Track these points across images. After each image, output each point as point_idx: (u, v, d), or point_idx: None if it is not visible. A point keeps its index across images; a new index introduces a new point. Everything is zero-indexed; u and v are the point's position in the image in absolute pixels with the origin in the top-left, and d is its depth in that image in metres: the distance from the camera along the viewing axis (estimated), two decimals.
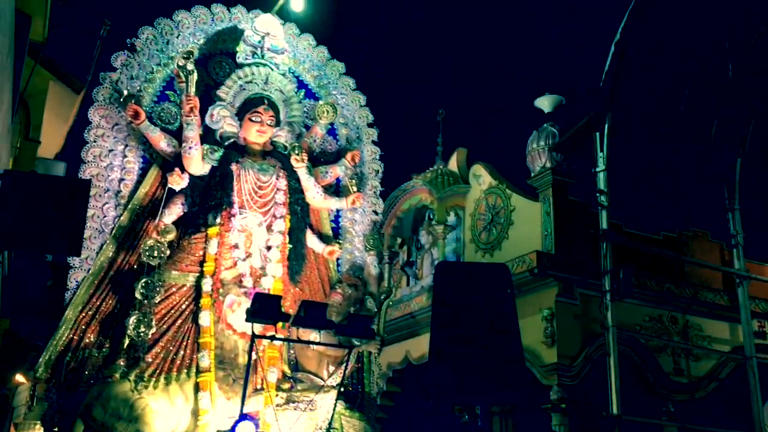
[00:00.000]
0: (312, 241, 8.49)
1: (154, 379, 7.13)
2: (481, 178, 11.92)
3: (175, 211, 7.84)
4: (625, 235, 10.32)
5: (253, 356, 6.87)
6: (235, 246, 7.75)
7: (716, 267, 10.73)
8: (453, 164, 12.69)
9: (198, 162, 7.85)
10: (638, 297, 10.04)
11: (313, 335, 7.40)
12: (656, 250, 10.39)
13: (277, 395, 7.38)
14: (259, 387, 7.39)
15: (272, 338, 6.84)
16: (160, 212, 7.72)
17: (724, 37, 9.81)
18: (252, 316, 6.20)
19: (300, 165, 8.19)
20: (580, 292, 10.01)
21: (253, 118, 8.12)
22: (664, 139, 10.37)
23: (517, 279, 9.46)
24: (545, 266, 9.90)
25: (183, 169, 7.79)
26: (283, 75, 8.52)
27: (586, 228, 10.18)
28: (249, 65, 8.31)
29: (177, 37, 8.38)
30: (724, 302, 10.68)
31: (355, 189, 8.58)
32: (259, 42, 8.41)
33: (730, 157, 10.73)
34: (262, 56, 8.39)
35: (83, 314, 7.44)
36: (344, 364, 7.55)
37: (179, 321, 7.51)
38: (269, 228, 7.96)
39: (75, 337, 7.36)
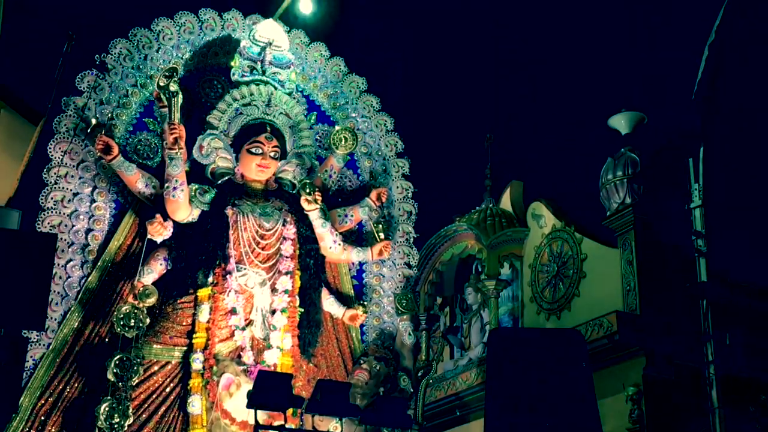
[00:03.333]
0: (329, 303, 8.52)
1: None
2: (543, 218, 11.88)
3: (156, 269, 7.93)
4: (732, 288, 10.21)
5: None
6: (232, 311, 7.80)
7: None
8: (506, 202, 12.66)
9: (184, 206, 7.96)
10: (754, 369, 9.88)
11: (333, 424, 7.37)
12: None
13: None
14: None
15: (281, 429, 6.85)
16: (138, 270, 7.80)
17: None
18: (255, 400, 6.22)
19: (312, 207, 8.27)
20: (676, 364, 9.88)
21: (253, 150, 8.24)
22: None
23: (593, 348, 9.36)
24: (629, 331, 9.78)
25: (166, 216, 7.90)
26: (290, 94, 8.66)
27: (681, 280, 10.08)
28: (247, 84, 8.46)
29: (157, 51, 8.56)
30: None
31: (382, 236, 8.63)
32: (259, 54, 8.56)
33: None
34: (263, 72, 8.54)
35: (42, 401, 7.50)
36: None
37: (163, 408, 7.54)
38: (274, 288, 8.01)
39: (32, 431, 7.41)
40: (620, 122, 11.33)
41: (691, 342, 9.49)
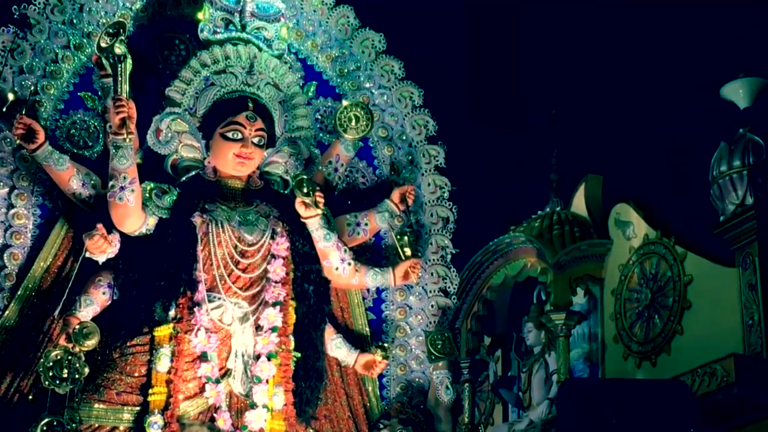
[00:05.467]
0: (336, 345, 8.49)
1: None
2: (631, 227, 11.85)
3: (97, 299, 7.93)
4: None
5: None
6: (202, 357, 7.79)
7: None
8: (579, 204, 12.64)
9: (136, 213, 7.96)
10: None
11: None
12: None
13: None
14: None
15: None
16: (72, 301, 7.80)
17: None
18: None
19: (312, 213, 8.23)
20: None
21: (230, 135, 8.21)
22: None
23: (704, 406, 9.32)
24: (753, 381, 9.75)
25: (111, 227, 7.89)
26: (280, 57, 8.63)
27: None
28: (220, 43, 8.45)
29: (97, 0, 8.57)
30: None
31: (408, 252, 8.58)
32: (237, 3, 8.56)
33: None
34: (243, 27, 8.53)
35: None
36: None
37: None
38: (259, 324, 8.00)
39: None
40: (737, 92, 11.29)
41: None
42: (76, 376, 7.56)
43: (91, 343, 7.71)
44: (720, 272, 10.67)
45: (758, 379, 9.75)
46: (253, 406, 7.79)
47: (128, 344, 7.83)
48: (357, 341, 8.67)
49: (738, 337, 10.23)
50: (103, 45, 7.92)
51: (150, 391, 7.68)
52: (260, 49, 8.50)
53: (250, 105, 8.25)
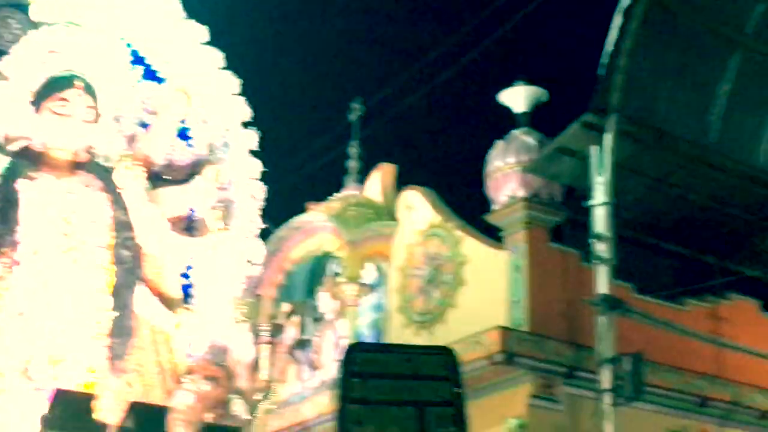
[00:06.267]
0: (147, 306, 8.41)
1: None
2: (417, 211, 12.07)
3: None
4: (635, 304, 10.61)
5: None
6: (20, 314, 7.63)
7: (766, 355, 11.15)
8: (373, 189, 12.81)
9: None
10: (653, 400, 10.31)
11: None
12: (680, 329, 10.73)
13: None
14: None
15: None
16: None
17: None
18: (49, 427, 6.10)
19: (132, 185, 8.15)
20: (566, 392, 10.21)
21: (58, 109, 8.06)
22: (691, 159, 10.79)
23: (471, 370, 9.58)
24: (513, 351, 10.07)
25: None
26: (107, 41, 8.50)
27: (576, 292, 10.43)
28: (51, 25, 8.27)
29: None
30: None
31: (219, 225, 8.56)
32: None
33: None
34: (70, 9, 8.37)
35: None
36: None
37: None
38: (79, 285, 7.88)
39: None
40: (515, 97, 11.63)
41: (586, 367, 9.86)
42: None
43: None
44: (491, 255, 11.00)
45: (520, 349, 10.10)
46: (68, 360, 7.68)
47: None
48: (167, 303, 8.61)
49: (504, 312, 10.57)
50: None
51: None
52: (88, 32, 8.37)
53: (78, 83, 8.13)
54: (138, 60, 9.00)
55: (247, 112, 9.27)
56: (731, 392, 10.95)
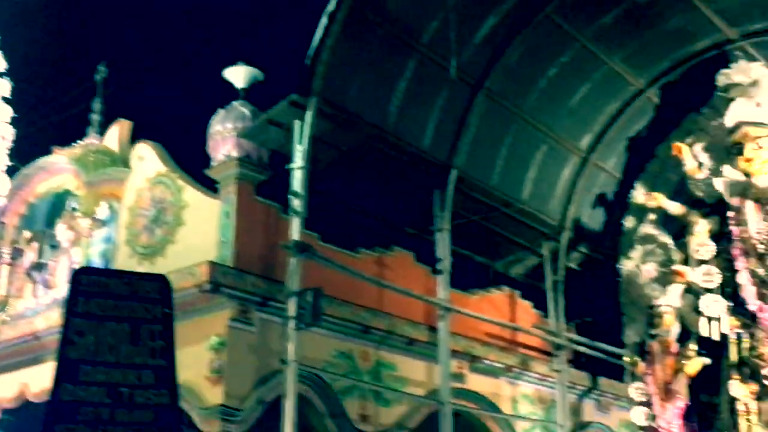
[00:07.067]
0: None
1: None
2: (147, 162, 11.84)
3: None
4: (319, 250, 10.87)
5: None
6: None
7: (416, 295, 11.73)
8: (111, 140, 12.45)
9: None
10: (328, 327, 10.63)
11: None
12: (352, 271, 11.09)
13: None
14: None
15: None
16: None
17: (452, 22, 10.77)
18: None
19: None
20: (259, 317, 10.36)
21: None
22: (373, 138, 11.12)
23: (182, 296, 9.53)
24: (219, 282, 10.11)
25: None
26: None
27: (274, 238, 10.57)
28: None
29: None
30: (423, 337, 11.72)
31: None
32: None
33: (443, 170, 11.84)
34: None
35: None
36: None
37: None
38: None
39: None
40: (236, 75, 11.58)
41: (277, 297, 10.03)
42: None
43: None
44: (207, 202, 10.94)
45: (221, 281, 10.10)
46: None
47: None
48: None
49: (214, 250, 10.55)
50: None
51: None
52: None
53: None
54: None
55: (2, 64, 8.81)
56: (387, 323, 11.44)
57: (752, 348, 9.41)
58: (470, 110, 11.83)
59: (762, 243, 9.61)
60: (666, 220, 10.78)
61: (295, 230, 10.01)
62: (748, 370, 9.36)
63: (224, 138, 10.97)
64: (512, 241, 13.21)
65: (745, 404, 9.20)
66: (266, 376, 10.18)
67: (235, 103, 11.30)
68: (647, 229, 10.93)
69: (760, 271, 9.52)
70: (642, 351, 10.69)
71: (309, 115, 10.22)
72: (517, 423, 12.81)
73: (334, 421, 10.62)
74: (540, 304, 13.61)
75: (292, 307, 9.69)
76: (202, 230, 10.90)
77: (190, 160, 11.70)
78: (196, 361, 9.96)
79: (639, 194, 11.79)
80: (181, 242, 11.11)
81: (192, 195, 11.27)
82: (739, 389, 9.28)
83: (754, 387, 9.23)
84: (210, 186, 11.12)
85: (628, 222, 11.71)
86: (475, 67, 11.58)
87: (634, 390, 10.48)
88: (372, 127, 11.08)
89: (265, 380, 10.16)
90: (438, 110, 11.71)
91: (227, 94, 11.57)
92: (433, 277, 11.98)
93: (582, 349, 13.49)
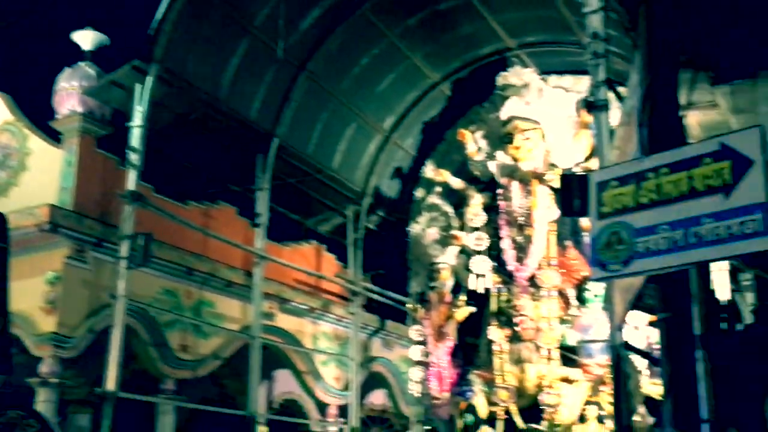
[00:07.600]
0: None
1: None
2: None
3: None
4: (152, 200, 10.81)
5: None
6: None
7: (236, 244, 11.90)
8: None
9: None
10: (156, 267, 10.62)
11: None
12: (181, 220, 11.11)
13: None
14: None
15: None
16: None
17: None
18: None
19: None
20: (94, 257, 10.22)
21: None
22: (206, 105, 11.10)
23: (23, 234, 9.30)
24: (58, 223, 9.89)
25: None
26: None
27: (111, 187, 10.43)
28: None
29: None
30: (240, 281, 11.91)
31: None
32: None
33: (267, 138, 12.03)
34: None
35: None
36: None
37: None
38: None
39: None
40: (84, 38, 11.25)
41: (111, 239, 9.95)
42: None
43: None
44: (51, 151, 10.63)
45: (59, 223, 9.86)
46: None
47: None
48: None
49: (55, 194, 10.28)
50: None
51: None
52: None
53: None
54: None
55: None
56: (209, 267, 11.50)
57: (508, 300, 10.25)
58: (293, 88, 12.06)
59: (522, 216, 10.41)
60: (449, 193, 11.46)
61: (132, 181, 9.94)
62: (504, 318, 10.19)
63: (69, 94, 10.68)
64: (322, 202, 13.60)
65: (500, 345, 10.02)
66: (97, 309, 10.08)
67: (81, 64, 11.00)
68: (433, 199, 11.60)
69: (519, 239, 10.34)
70: (422, 300, 11.38)
71: (149, 80, 10.14)
72: (316, 356, 13.24)
73: (157, 349, 10.65)
74: (342, 257, 14.09)
75: (124, 249, 9.65)
76: (44, 176, 10.61)
77: (37, 113, 11.30)
78: (33, 294, 9.75)
79: (429, 170, 12.48)
80: (24, 186, 10.77)
81: (36, 143, 10.93)
82: (496, 333, 10.09)
83: (508, 332, 10.06)
84: (54, 137, 10.81)
85: (419, 192, 12.38)
86: (300, 51, 11.79)
87: (414, 331, 11.18)
88: (206, 95, 11.11)
89: (96, 312, 10.06)
90: (265, 85, 11.87)
91: (76, 55, 11.24)
92: (252, 229, 12.21)
93: (374, 296, 14.12)
